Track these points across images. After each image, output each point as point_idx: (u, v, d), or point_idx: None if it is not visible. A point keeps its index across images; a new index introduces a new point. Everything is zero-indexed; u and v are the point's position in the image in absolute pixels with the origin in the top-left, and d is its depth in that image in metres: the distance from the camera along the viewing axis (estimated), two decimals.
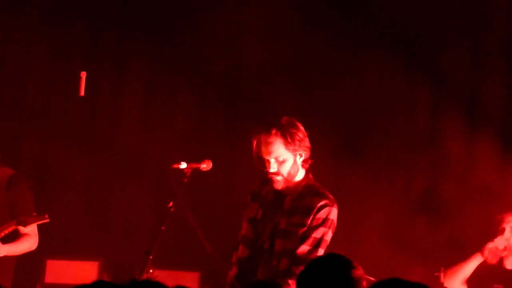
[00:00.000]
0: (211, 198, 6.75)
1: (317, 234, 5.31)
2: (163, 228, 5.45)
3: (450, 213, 7.12)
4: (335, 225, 5.35)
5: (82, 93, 6.78)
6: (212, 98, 7.47)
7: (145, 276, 5.28)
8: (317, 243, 5.31)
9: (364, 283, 3.87)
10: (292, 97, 7.38)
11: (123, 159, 7.47)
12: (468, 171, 7.18)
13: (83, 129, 7.53)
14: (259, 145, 5.34)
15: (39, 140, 7.50)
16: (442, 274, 6.15)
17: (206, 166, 5.71)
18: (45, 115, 7.52)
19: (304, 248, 5.29)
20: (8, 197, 6.21)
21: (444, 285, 6.19)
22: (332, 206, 5.34)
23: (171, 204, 5.53)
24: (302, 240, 5.32)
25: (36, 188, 6.93)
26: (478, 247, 6.36)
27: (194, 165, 5.66)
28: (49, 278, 6.86)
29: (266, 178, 5.42)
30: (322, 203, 5.31)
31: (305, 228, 5.31)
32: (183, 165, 5.63)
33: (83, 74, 6.77)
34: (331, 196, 5.38)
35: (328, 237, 5.34)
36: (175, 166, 5.62)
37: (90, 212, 7.48)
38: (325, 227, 5.31)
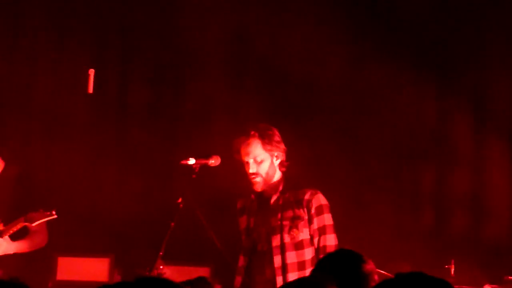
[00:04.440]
0: (220, 194, 6.74)
1: (325, 222, 5.58)
2: (172, 224, 5.47)
3: (460, 207, 7.10)
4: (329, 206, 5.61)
5: (90, 90, 6.78)
6: (220, 93, 7.45)
7: (155, 272, 5.30)
8: (331, 229, 5.58)
9: (376, 277, 3.88)
10: (299, 90, 7.37)
11: (132, 155, 7.47)
12: (476, 166, 7.15)
13: (92, 126, 7.53)
14: (238, 149, 5.62)
15: (48, 137, 7.50)
16: (452, 267, 6.15)
17: (214, 161, 5.74)
18: (53, 113, 7.52)
19: (323, 239, 5.55)
20: (16, 194, 6.23)
21: None
22: (316, 193, 5.60)
23: (180, 200, 5.55)
24: (315, 235, 5.56)
25: (45, 185, 6.95)
26: None
27: (203, 161, 5.69)
28: (61, 275, 6.86)
29: (248, 193, 5.70)
30: (307, 195, 5.58)
31: (303, 221, 5.56)
32: (192, 161, 5.66)
33: (91, 72, 6.77)
34: (310, 187, 5.64)
35: (332, 220, 5.61)
36: (184, 162, 5.65)
37: (100, 209, 7.48)
38: (327, 213, 5.59)
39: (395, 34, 7.21)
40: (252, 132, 5.60)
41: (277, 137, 5.64)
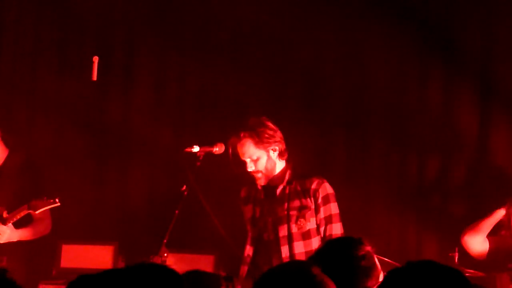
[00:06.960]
0: (224, 182, 6.74)
1: (331, 211, 5.62)
2: (176, 211, 5.47)
3: (464, 192, 7.09)
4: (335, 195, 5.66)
5: (95, 77, 6.78)
6: (224, 80, 7.44)
7: (159, 260, 5.30)
8: (337, 217, 5.63)
9: (375, 259, 3.89)
10: (302, 77, 7.35)
11: (136, 142, 7.46)
12: (481, 148, 7.13)
13: (96, 114, 7.52)
14: (234, 150, 5.66)
15: (52, 125, 7.50)
16: (456, 254, 6.15)
17: (218, 149, 5.74)
18: (58, 100, 7.52)
19: (329, 228, 5.59)
20: (20, 182, 6.23)
21: (466, 242, 6.20)
22: (322, 182, 5.64)
23: (184, 187, 5.55)
24: (321, 224, 5.61)
25: (50, 173, 6.95)
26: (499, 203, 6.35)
27: (207, 149, 5.70)
28: (65, 262, 6.87)
29: (252, 181, 5.73)
30: (314, 184, 5.61)
31: (310, 211, 5.60)
32: (196, 149, 5.67)
33: (96, 59, 6.76)
34: (317, 175, 5.69)
35: (338, 209, 5.65)
36: (188, 149, 5.66)
37: (104, 196, 7.49)
38: (333, 202, 5.64)
39: (400, 17, 7.17)
40: (242, 134, 5.63)
41: (269, 131, 5.65)
